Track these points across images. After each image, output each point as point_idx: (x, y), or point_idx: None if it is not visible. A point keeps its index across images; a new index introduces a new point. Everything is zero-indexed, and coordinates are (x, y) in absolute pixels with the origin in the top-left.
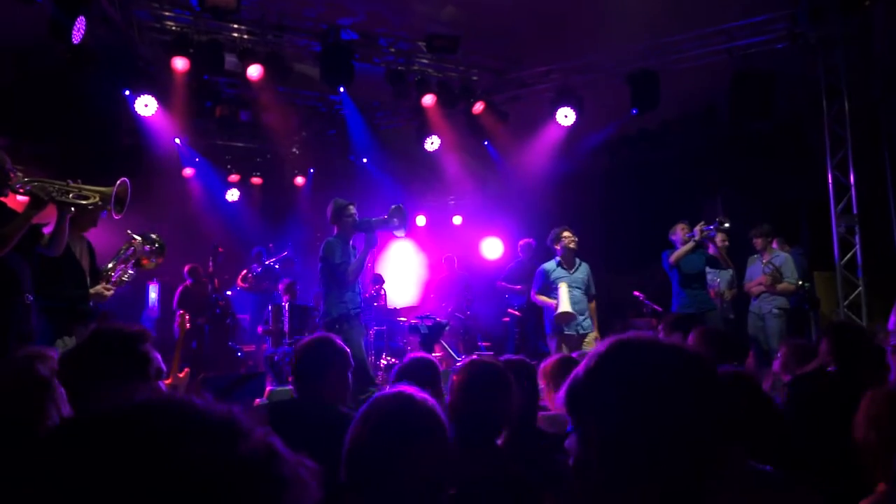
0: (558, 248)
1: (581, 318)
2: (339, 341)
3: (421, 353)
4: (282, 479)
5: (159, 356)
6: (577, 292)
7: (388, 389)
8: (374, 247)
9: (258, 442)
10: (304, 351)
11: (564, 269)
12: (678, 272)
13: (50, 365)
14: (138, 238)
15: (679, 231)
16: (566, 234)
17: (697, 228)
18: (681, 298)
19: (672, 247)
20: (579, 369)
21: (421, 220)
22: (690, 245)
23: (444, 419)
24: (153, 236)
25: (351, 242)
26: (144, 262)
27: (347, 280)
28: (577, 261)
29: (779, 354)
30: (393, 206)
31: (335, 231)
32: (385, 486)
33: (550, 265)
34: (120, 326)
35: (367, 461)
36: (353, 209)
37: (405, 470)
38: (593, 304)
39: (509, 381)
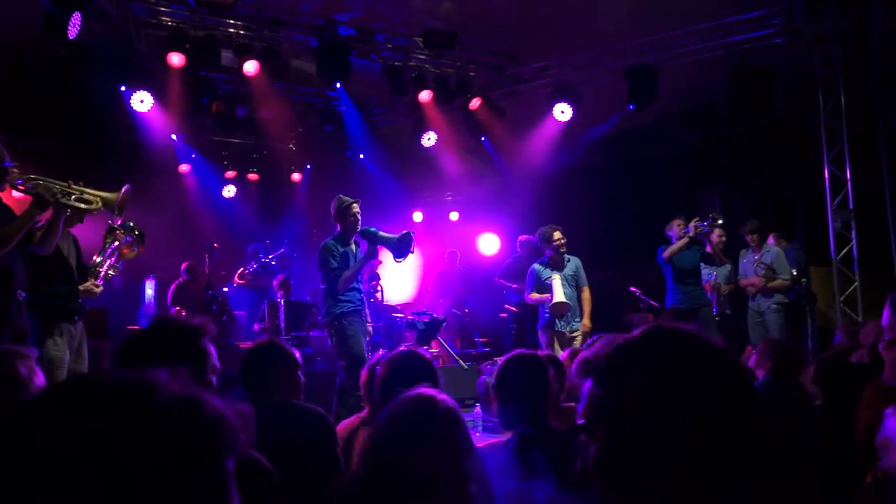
0: (548, 250)
1: (571, 315)
2: (286, 344)
3: (410, 348)
4: (205, 421)
5: (215, 351)
6: (569, 289)
7: (409, 392)
8: (374, 259)
9: (177, 392)
10: (250, 358)
11: (554, 268)
12: (672, 268)
13: (29, 364)
14: (120, 230)
15: (675, 227)
16: (557, 234)
17: (692, 224)
18: (675, 294)
19: (668, 242)
20: (601, 356)
21: (418, 216)
22: (684, 241)
23: (464, 420)
24: (131, 224)
25: (354, 238)
26: (126, 251)
27: (337, 289)
28: (566, 257)
29: (754, 351)
30: (404, 232)
31: (337, 229)
32: (407, 486)
33: (539, 267)
34: (181, 319)
35: (389, 464)
36: (356, 208)
37: (428, 471)
38: (587, 293)
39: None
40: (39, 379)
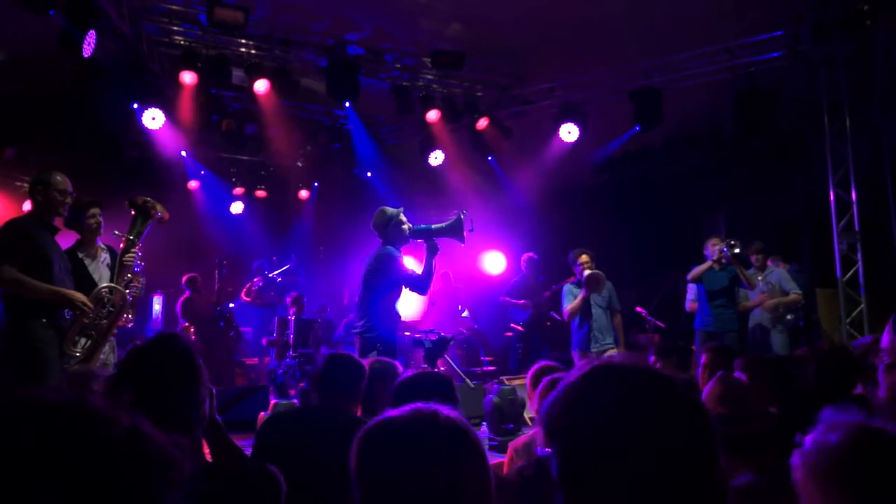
0: (576, 270)
1: (601, 335)
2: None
3: (426, 369)
4: (146, 457)
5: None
6: (599, 310)
7: (404, 407)
8: (437, 252)
9: (120, 424)
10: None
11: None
12: (703, 288)
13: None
14: (135, 250)
15: (710, 246)
16: (583, 258)
17: (717, 248)
18: (703, 316)
19: (705, 261)
20: (552, 395)
21: None
22: (707, 265)
23: (479, 439)
24: (147, 207)
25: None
26: (159, 221)
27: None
28: None
29: (702, 359)
30: (457, 215)
31: (381, 242)
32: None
33: (570, 287)
34: (182, 336)
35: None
36: (404, 216)
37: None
38: (618, 318)
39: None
40: None
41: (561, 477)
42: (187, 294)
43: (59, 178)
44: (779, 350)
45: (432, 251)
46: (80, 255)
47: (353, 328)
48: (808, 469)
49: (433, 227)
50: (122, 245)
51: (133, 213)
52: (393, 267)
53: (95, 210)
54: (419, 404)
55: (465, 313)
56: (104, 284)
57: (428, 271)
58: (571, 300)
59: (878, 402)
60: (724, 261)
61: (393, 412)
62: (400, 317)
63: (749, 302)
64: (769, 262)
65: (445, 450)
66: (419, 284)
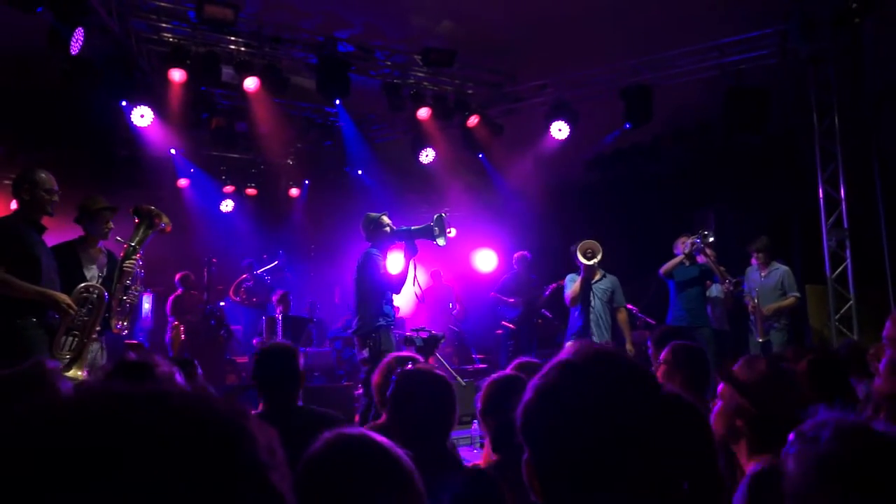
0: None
1: (597, 329)
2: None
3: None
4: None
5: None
6: (599, 303)
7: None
8: (415, 255)
9: (263, 447)
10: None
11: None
12: (674, 283)
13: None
14: (136, 258)
15: (680, 244)
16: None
17: (689, 241)
18: (675, 310)
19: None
20: (523, 397)
21: None
22: (679, 259)
23: (410, 466)
24: (153, 216)
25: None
26: (165, 231)
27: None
28: (602, 272)
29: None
30: (436, 216)
31: (368, 245)
32: None
33: (572, 275)
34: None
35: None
36: (387, 219)
37: None
38: (623, 315)
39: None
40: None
41: (538, 479)
42: (179, 292)
43: (44, 176)
44: (777, 347)
45: (410, 253)
46: (79, 255)
47: (350, 328)
48: (801, 466)
49: (412, 228)
50: (122, 252)
51: (136, 220)
52: (370, 268)
53: (110, 216)
54: (345, 429)
55: (455, 311)
56: (82, 284)
57: (404, 272)
58: (572, 286)
59: (876, 394)
60: (695, 249)
61: (325, 435)
62: (395, 312)
63: (752, 303)
64: (754, 261)
65: (372, 476)
66: (392, 285)
